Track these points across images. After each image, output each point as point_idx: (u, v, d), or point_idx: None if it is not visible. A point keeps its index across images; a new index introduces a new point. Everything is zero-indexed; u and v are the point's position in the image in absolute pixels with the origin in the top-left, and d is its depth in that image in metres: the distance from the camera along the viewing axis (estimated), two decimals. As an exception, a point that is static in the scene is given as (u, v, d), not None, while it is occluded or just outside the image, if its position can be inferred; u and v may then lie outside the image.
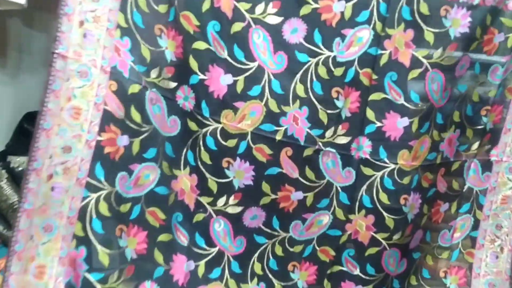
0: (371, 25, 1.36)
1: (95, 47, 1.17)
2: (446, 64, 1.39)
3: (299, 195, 1.43)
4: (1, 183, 1.62)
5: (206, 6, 1.28)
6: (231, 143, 1.37)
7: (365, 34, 1.36)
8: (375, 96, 1.40)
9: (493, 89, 1.47)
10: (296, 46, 1.35)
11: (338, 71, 1.37)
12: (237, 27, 1.31)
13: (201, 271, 1.41)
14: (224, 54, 1.32)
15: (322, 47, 1.36)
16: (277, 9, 1.33)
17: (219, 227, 1.42)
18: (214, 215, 1.41)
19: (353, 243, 1.47)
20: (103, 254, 1.22)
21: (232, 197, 1.41)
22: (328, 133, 1.41)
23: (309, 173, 1.42)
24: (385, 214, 1.45)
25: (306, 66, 1.36)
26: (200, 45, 1.29)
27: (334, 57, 1.37)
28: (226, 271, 1.44)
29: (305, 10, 1.34)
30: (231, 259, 1.44)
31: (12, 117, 1.81)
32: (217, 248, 1.42)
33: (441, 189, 1.52)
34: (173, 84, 1.31)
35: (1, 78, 1.83)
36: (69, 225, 1.19)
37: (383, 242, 1.46)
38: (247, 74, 1.34)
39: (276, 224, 1.45)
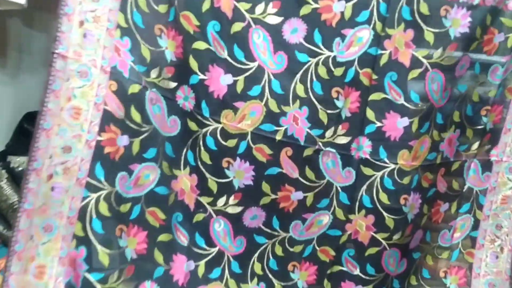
0: (371, 25, 1.36)
1: (95, 47, 1.17)
2: (446, 64, 1.39)
3: (299, 195, 1.43)
4: (1, 183, 1.62)
5: (206, 6, 1.28)
6: (231, 143, 1.37)
7: (365, 34, 1.36)
8: (375, 96, 1.40)
9: (493, 89, 1.47)
10: (296, 46, 1.35)
11: (338, 71, 1.37)
12: (237, 27, 1.31)
13: (201, 271, 1.41)
14: (224, 54, 1.32)
15: (322, 47, 1.36)
16: (277, 9, 1.33)
17: (219, 227, 1.42)
18: (214, 215, 1.41)
19: (353, 243, 1.47)
20: (103, 254, 1.22)
21: (232, 197, 1.40)
22: (328, 133, 1.41)
23: (309, 173, 1.42)
24: (385, 214, 1.44)
25: (306, 66, 1.36)
26: (200, 45, 1.29)
27: (334, 57, 1.37)
28: (226, 271, 1.44)
29: (305, 10, 1.34)
30: (231, 259, 1.44)
31: (12, 117, 1.81)
32: (217, 248, 1.42)
33: (441, 189, 1.52)
34: (173, 84, 1.31)
35: (1, 78, 1.82)
36: (69, 225, 1.19)
37: (383, 242, 1.46)
38: (247, 74, 1.34)
39: (276, 224, 1.45)
